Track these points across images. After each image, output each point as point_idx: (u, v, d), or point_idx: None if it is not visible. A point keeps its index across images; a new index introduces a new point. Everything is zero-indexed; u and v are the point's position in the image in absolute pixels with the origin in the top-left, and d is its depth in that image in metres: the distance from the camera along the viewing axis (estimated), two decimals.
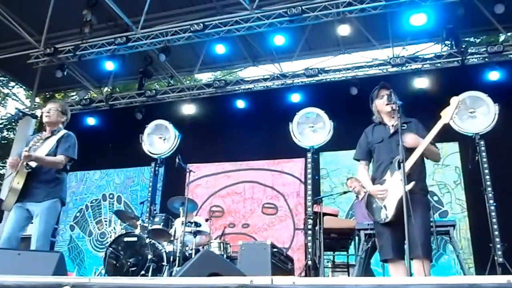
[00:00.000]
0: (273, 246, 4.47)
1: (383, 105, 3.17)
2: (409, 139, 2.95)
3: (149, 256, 4.63)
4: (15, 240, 3.39)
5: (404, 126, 3.04)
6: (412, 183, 2.83)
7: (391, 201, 2.94)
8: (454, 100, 3.01)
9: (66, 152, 3.55)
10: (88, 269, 7.85)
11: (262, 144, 7.64)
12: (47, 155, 3.51)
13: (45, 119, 3.67)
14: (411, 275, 2.68)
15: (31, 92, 9.82)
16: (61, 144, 3.57)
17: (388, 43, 7.65)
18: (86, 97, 9.06)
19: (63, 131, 3.68)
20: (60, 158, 3.51)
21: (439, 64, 6.99)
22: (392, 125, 3.14)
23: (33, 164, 3.43)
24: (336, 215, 5.43)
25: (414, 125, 3.16)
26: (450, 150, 6.73)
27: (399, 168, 2.87)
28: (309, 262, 5.17)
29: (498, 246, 5.01)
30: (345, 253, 5.50)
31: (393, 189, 2.95)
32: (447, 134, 5.96)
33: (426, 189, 3.13)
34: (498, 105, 5.39)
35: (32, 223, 3.47)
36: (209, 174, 7.89)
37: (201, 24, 6.71)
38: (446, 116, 2.97)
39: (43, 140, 3.60)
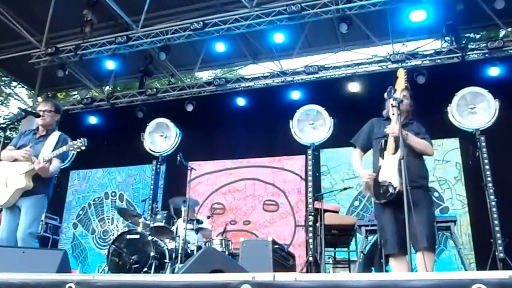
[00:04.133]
0: (274, 242, 4.49)
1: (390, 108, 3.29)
2: (393, 128, 3.04)
3: (152, 253, 4.68)
4: (13, 239, 3.44)
5: (411, 122, 3.17)
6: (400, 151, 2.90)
7: (392, 174, 2.98)
8: (400, 71, 3.25)
9: (61, 157, 3.65)
10: (91, 266, 7.90)
11: (263, 142, 7.65)
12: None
13: (40, 121, 3.75)
14: (412, 270, 2.70)
15: (33, 91, 9.83)
16: (59, 149, 3.59)
17: (388, 39, 7.64)
18: (87, 96, 9.09)
19: (58, 133, 3.76)
20: (56, 165, 3.60)
21: (439, 60, 6.98)
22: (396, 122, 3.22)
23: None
24: (337, 212, 5.46)
25: (416, 125, 3.25)
26: (451, 146, 6.74)
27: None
28: (310, 259, 5.20)
29: (499, 241, 5.02)
30: (346, 249, 5.53)
31: (391, 164, 3.00)
32: (448, 130, 6.05)
33: (427, 186, 3.17)
34: (498, 100, 5.39)
35: None
36: (210, 172, 7.91)
37: (201, 23, 6.72)
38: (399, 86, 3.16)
39: (37, 138, 3.69)
